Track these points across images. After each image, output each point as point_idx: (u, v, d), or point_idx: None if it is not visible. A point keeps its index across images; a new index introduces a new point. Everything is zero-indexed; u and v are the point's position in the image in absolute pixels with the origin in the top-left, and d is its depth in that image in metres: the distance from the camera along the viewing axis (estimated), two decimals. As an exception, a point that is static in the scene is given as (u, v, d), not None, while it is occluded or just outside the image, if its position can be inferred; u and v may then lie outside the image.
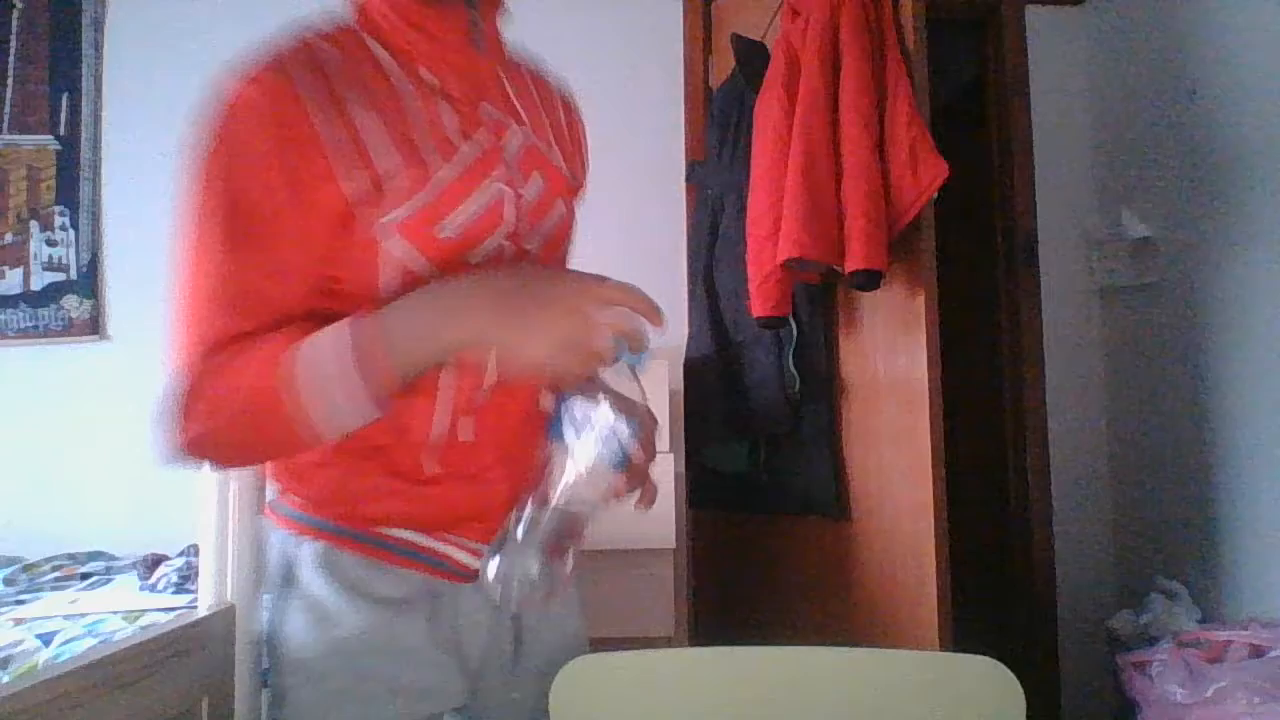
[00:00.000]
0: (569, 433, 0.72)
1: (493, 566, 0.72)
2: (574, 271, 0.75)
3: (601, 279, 0.70)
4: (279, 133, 0.68)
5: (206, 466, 0.80)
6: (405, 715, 0.75)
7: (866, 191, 1.64)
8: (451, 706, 0.77)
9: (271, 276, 0.70)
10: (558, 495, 0.72)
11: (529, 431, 0.79)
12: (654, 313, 0.71)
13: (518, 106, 0.82)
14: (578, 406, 0.73)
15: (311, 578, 0.76)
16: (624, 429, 0.73)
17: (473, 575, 0.79)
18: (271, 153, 0.68)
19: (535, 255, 0.80)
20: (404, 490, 0.76)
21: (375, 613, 0.75)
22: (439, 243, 0.72)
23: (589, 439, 0.72)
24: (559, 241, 0.86)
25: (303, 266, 0.70)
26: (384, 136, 0.71)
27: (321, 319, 0.68)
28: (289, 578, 0.77)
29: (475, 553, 0.78)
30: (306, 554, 0.76)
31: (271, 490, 0.83)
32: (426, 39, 0.74)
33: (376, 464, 0.76)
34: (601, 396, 0.72)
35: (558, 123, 0.88)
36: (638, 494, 0.76)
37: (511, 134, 0.79)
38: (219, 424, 0.72)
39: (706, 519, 2.26)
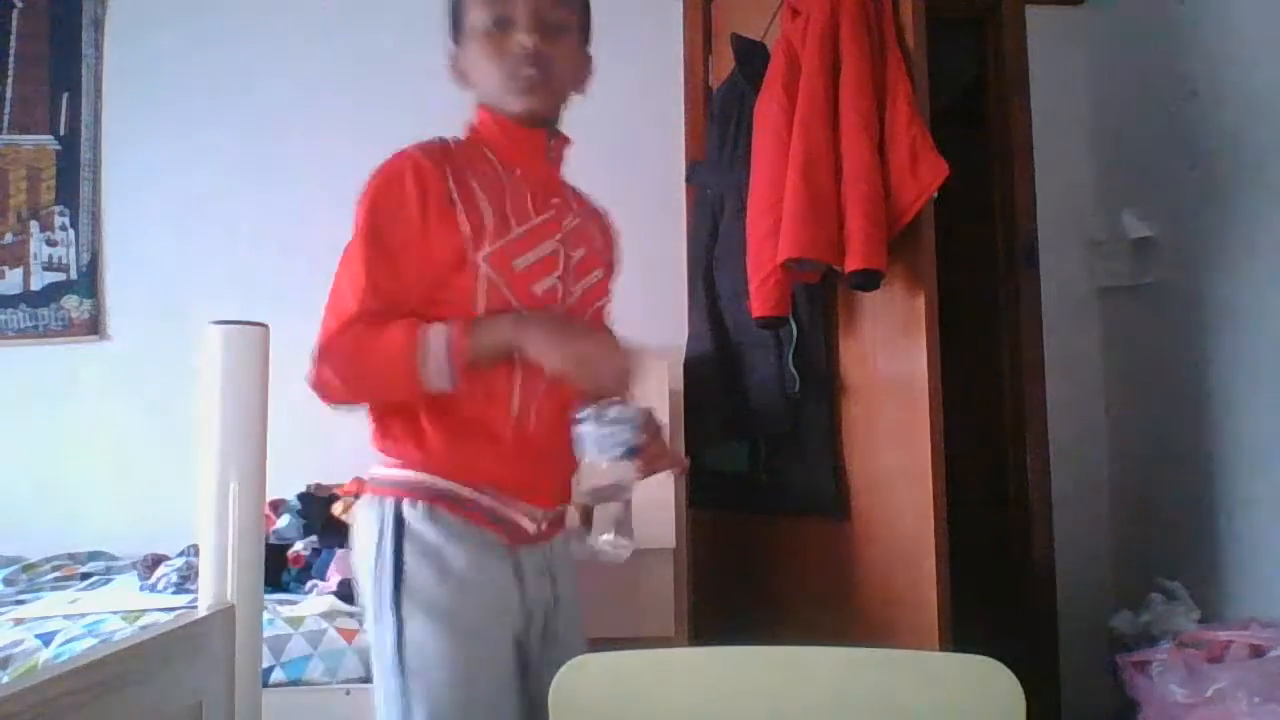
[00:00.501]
0: (585, 439, 1.01)
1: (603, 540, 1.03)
2: (603, 328, 1.11)
3: (618, 342, 1.06)
4: (419, 189, 1.03)
5: (324, 401, 1.06)
6: (498, 631, 1.04)
7: (866, 191, 1.64)
8: (519, 631, 1.06)
9: (395, 281, 1.03)
10: (583, 486, 1.01)
11: (569, 445, 1.05)
12: (625, 387, 1.07)
13: (573, 204, 1.18)
14: (588, 418, 1.01)
15: (424, 528, 1.02)
16: (624, 425, 1.01)
17: (530, 538, 1.08)
18: (412, 202, 1.03)
19: (576, 298, 1.14)
20: (490, 457, 1.05)
21: (474, 553, 1.03)
22: (514, 273, 1.06)
23: (598, 436, 1.00)
24: (594, 296, 1.19)
25: (418, 280, 1.04)
26: (487, 202, 1.06)
27: (424, 319, 1.01)
28: (401, 531, 1.02)
29: (534, 520, 1.09)
30: (418, 511, 1.03)
31: (378, 467, 1.09)
32: (517, 149, 1.12)
33: (472, 438, 1.05)
34: (603, 406, 1.01)
35: (603, 229, 1.24)
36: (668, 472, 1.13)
37: (570, 217, 1.15)
38: (350, 371, 1.02)
39: (706, 519, 2.25)
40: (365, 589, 1.06)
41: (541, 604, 1.10)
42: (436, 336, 0.98)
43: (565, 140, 1.17)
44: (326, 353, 1.02)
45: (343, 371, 1.02)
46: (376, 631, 1.03)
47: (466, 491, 1.04)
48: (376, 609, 1.03)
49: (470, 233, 1.03)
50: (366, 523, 1.06)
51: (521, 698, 1.05)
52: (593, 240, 1.18)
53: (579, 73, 1.16)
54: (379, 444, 1.09)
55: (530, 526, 1.08)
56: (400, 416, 1.05)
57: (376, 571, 1.03)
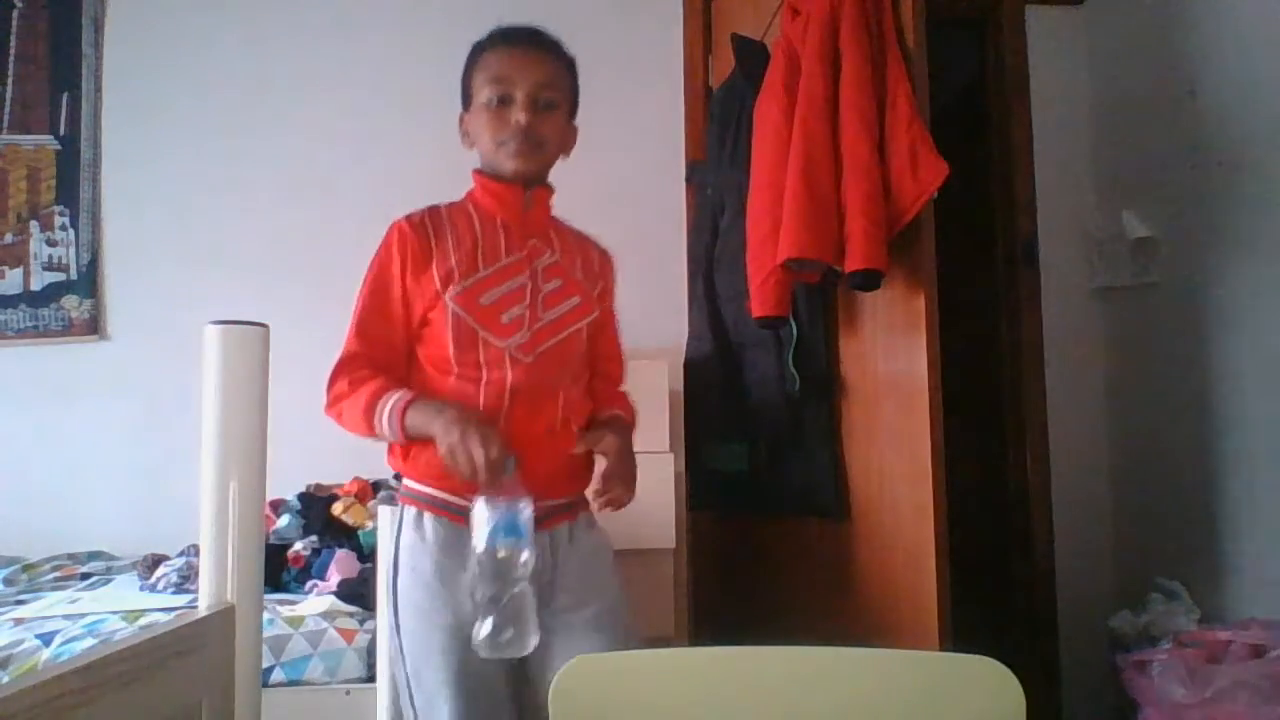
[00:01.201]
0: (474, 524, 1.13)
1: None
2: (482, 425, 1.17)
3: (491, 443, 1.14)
4: (401, 253, 1.26)
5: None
6: (461, 626, 1.15)
7: (866, 191, 1.63)
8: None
9: (383, 326, 1.26)
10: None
11: (549, 444, 1.25)
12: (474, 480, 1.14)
13: (555, 243, 1.34)
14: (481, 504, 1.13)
15: (410, 534, 1.23)
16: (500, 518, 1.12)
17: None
18: (395, 263, 1.26)
19: (545, 322, 1.28)
20: None
21: (441, 556, 1.21)
22: (480, 307, 1.24)
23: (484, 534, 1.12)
24: (569, 320, 1.31)
25: (406, 320, 1.26)
26: (459, 250, 1.26)
27: (412, 353, 1.27)
28: (399, 534, 1.24)
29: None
30: (410, 516, 1.24)
31: (404, 481, 1.27)
32: (497, 202, 1.31)
33: None
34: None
35: (588, 261, 1.38)
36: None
37: (546, 255, 1.32)
38: (342, 408, 1.23)
39: (706, 519, 2.25)
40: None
41: (539, 589, 1.20)
42: (387, 407, 1.19)
43: (545, 191, 1.35)
44: (328, 394, 1.24)
45: (337, 414, 1.24)
46: (391, 623, 1.24)
47: (447, 496, 1.22)
48: (391, 605, 1.24)
49: (440, 279, 1.25)
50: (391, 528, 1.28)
51: (517, 670, 1.22)
52: (570, 272, 1.34)
53: (565, 141, 1.35)
54: (387, 460, 1.29)
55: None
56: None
57: (394, 569, 1.24)
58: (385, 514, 1.44)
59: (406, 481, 1.26)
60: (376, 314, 1.26)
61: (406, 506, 1.24)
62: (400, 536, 1.24)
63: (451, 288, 1.24)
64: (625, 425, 1.36)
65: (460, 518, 1.18)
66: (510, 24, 1.33)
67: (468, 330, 1.23)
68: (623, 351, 1.45)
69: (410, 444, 1.22)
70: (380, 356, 1.25)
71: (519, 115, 1.25)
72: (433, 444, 1.16)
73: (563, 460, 1.25)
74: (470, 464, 1.11)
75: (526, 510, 1.12)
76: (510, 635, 1.11)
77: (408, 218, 1.28)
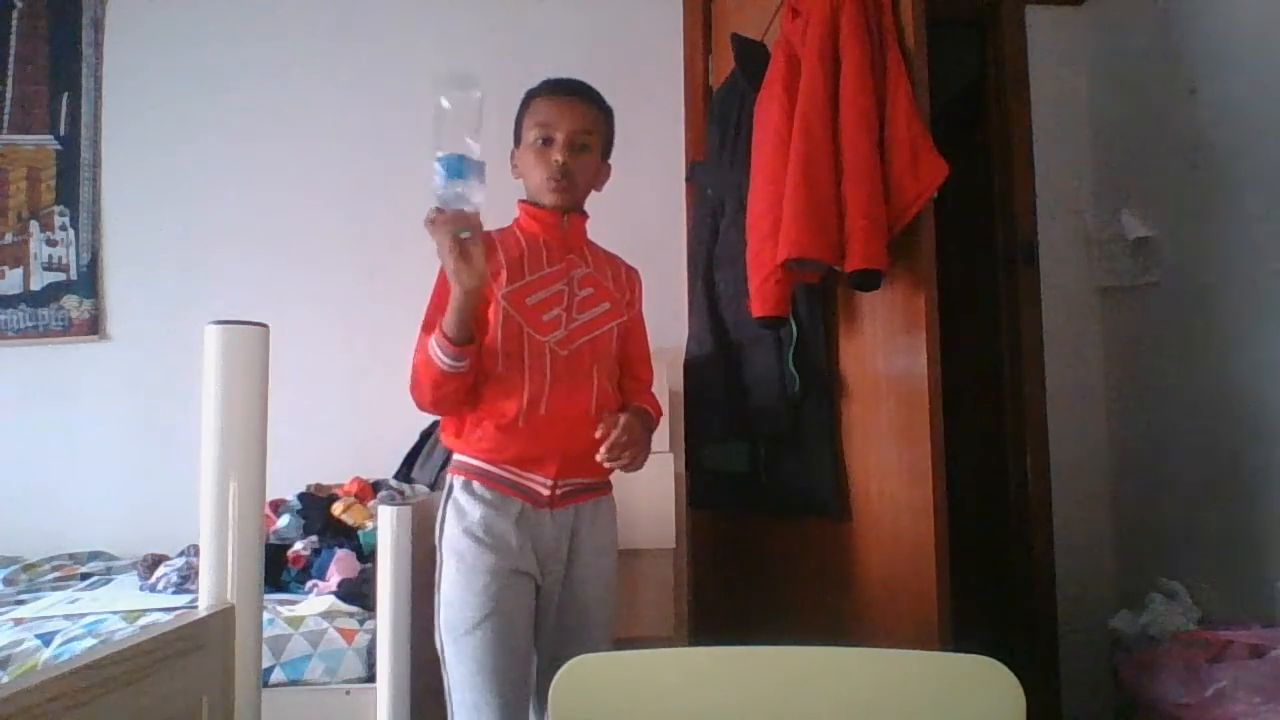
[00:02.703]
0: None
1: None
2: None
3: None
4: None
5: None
6: (489, 567, 1.38)
7: (866, 191, 1.63)
8: (528, 572, 1.41)
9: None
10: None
11: (582, 427, 1.39)
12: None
13: (589, 258, 1.54)
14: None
15: (460, 496, 1.42)
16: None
17: (545, 501, 1.43)
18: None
19: (579, 322, 1.48)
20: (507, 440, 1.41)
21: (489, 512, 1.40)
22: (526, 306, 1.44)
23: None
24: (601, 321, 1.51)
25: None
26: (508, 259, 1.46)
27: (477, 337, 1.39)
28: (449, 497, 1.43)
29: (545, 487, 1.42)
30: (459, 482, 1.43)
31: (457, 454, 1.46)
32: (539, 223, 1.51)
33: (494, 427, 1.41)
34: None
35: (617, 274, 1.58)
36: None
37: (580, 268, 1.52)
38: (415, 372, 1.39)
39: (706, 519, 2.25)
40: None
41: (558, 554, 1.43)
42: (431, 340, 1.35)
43: (580, 217, 1.55)
44: (409, 374, 1.40)
45: (415, 382, 1.39)
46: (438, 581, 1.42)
47: (493, 468, 1.42)
48: (438, 562, 1.42)
49: (496, 278, 1.43)
50: (445, 493, 1.46)
51: (540, 618, 1.44)
52: (601, 282, 1.53)
53: (598, 177, 1.54)
54: (441, 438, 1.51)
55: (545, 492, 1.42)
56: (454, 417, 1.44)
57: (442, 531, 1.43)
58: (386, 514, 1.54)
59: (458, 456, 1.45)
60: (439, 309, 1.38)
61: (456, 476, 1.44)
62: (450, 500, 1.43)
63: (504, 287, 1.43)
64: (648, 415, 1.52)
65: (505, 487, 1.41)
66: (560, 77, 1.53)
67: (515, 325, 1.42)
68: (650, 357, 1.62)
69: (465, 420, 1.42)
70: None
71: (557, 155, 1.46)
72: (484, 422, 1.40)
73: (591, 443, 1.37)
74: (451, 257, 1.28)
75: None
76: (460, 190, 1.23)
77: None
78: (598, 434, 1.36)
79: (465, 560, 1.38)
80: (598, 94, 1.54)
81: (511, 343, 1.41)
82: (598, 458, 1.36)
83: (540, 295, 1.46)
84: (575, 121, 1.48)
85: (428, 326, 1.39)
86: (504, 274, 1.44)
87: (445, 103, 1.23)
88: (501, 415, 1.39)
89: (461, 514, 1.41)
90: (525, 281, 1.45)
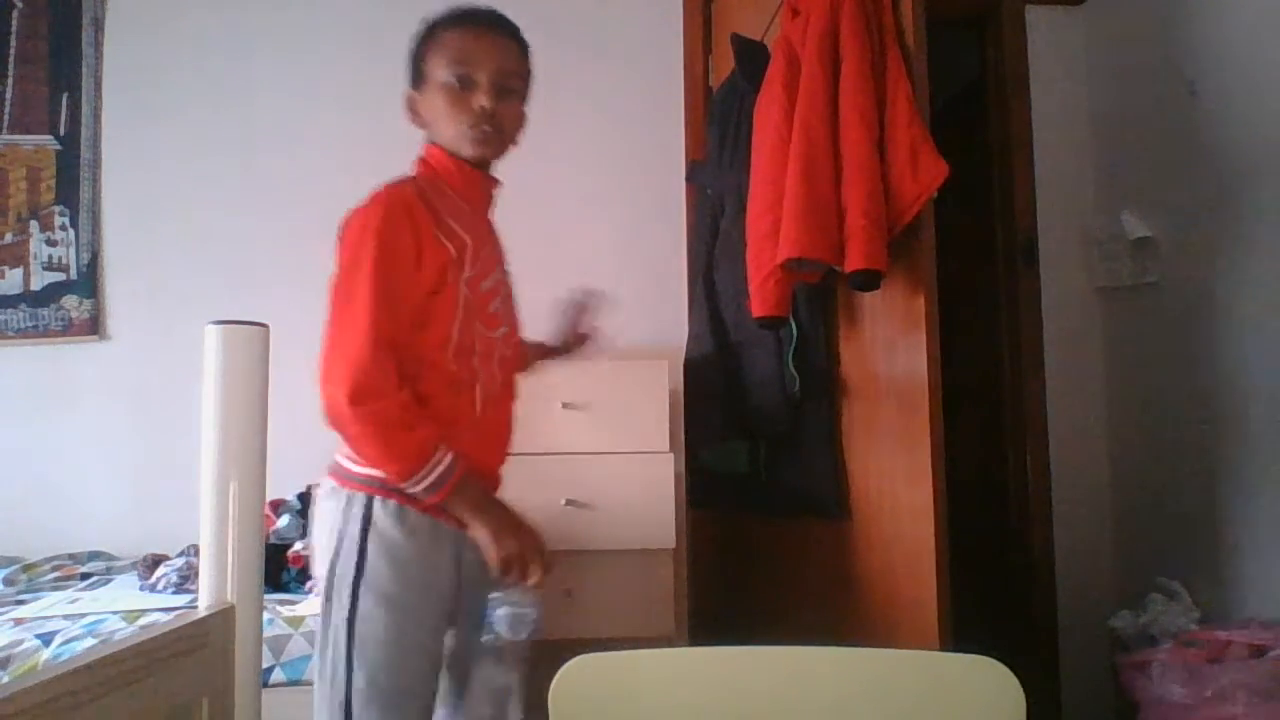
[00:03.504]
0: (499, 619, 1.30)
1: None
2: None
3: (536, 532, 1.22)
4: (412, 223, 1.18)
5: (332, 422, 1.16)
6: (433, 611, 1.21)
7: (866, 191, 1.63)
8: (449, 602, 1.23)
9: (393, 322, 1.16)
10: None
11: (506, 442, 1.34)
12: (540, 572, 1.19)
13: (497, 239, 1.37)
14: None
15: (389, 526, 1.18)
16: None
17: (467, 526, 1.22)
18: (408, 237, 1.18)
19: (511, 318, 1.37)
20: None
21: (426, 547, 1.20)
22: (482, 293, 1.26)
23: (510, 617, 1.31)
24: (516, 315, 1.40)
25: (407, 312, 1.18)
26: (462, 230, 1.24)
27: (412, 341, 1.19)
28: (368, 526, 1.18)
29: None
30: (388, 509, 1.18)
31: (348, 463, 1.21)
32: (471, 188, 1.31)
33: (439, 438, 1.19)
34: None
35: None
36: None
37: (498, 248, 1.37)
38: (379, 429, 1.14)
39: (706, 519, 2.25)
40: (322, 570, 1.21)
41: (474, 575, 1.26)
42: (443, 464, 1.15)
43: (496, 182, 1.36)
44: (358, 404, 1.12)
45: (363, 431, 1.14)
46: (331, 607, 1.19)
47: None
48: (333, 589, 1.19)
49: (455, 256, 1.21)
50: (334, 511, 1.21)
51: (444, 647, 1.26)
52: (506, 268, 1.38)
53: (519, 128, 1.33)
54: (342, 443, 1.22)
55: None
56: (340, 417, 1.15)
57: (340, 558, 1.19)
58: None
59: (371, 470, 1.19)
60: (389, 306, 1.15)
61: (373, 495, 1.19)
62: (368, 528, 1.18)
63: (466, 269, 1.22)
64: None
65: (438, 511, 1.19)
66: (468, 4, 1.30)
67: (469, 324, 1.23)
68: None
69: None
70: (395, 353, 1.15)
71: (483, 100, 1.24)
72: (381, 443, 1.15)
73: (507, 449, 1.33)
74: (520, 576, 1.17)
75: (532, 613, 1.26)
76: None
77: (400, 185, 1.22)
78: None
79: (400, 611, 1.17)
80: (518, 28, 1.33)
81: (467, 335, 1.23)
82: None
83: (489, 282, 1.28)
84: (501, 60, 1.26)
85: (376, 323, 1.13)
86: (469, 251, 1.23)
87: None
88: (450, 422, 1.19)
89: (391, 548, 1.18)
90: (481, 261, 1.26)
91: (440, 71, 1.26)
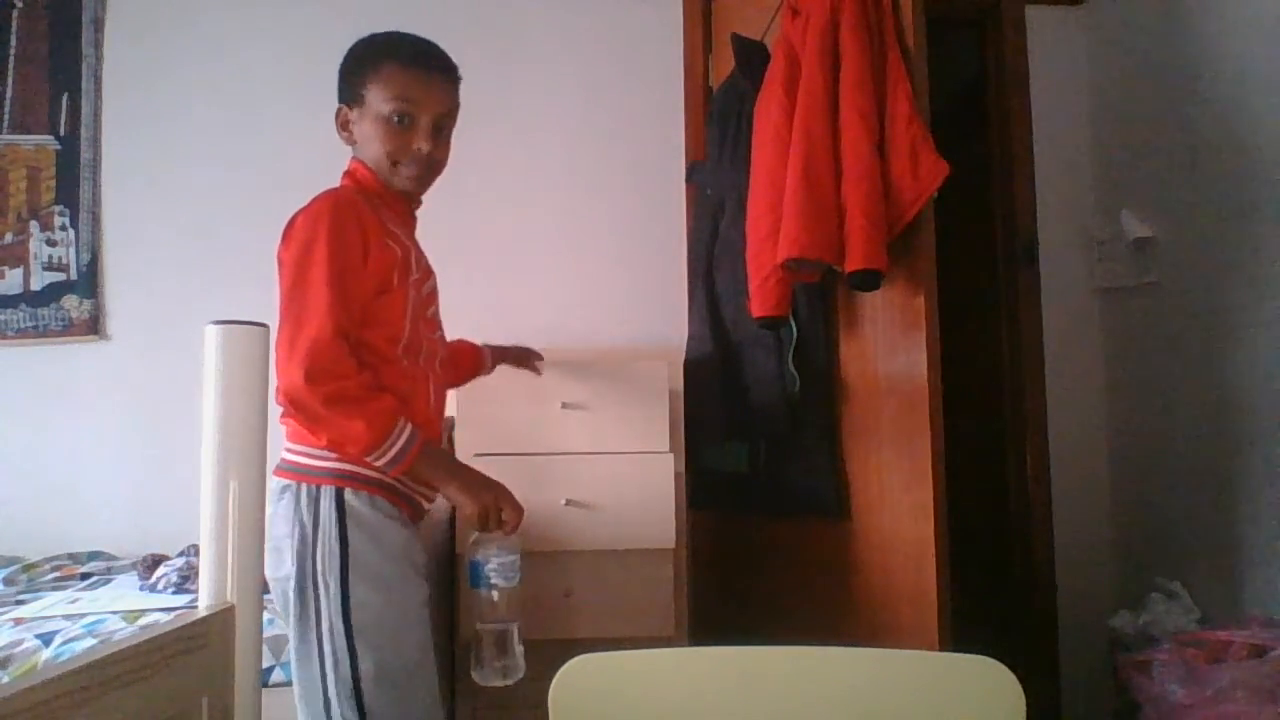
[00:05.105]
0: (488, 569, 1.27)
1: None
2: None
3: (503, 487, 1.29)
4: (360, 225, 1.24)
5: (296, 415, 1.19)
6: (421, 592, 1.27)
7: (866, 191, 1.64)
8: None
9: (348, 318, 1.20)
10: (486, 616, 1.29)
11: (440, 433, 1.39)
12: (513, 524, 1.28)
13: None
14: (488, 551, 1.28)
15: (367, 513, 1.23)
16: (515, 554, 1.29)
17: (424, 513, 1.35)
18: (357, 237, 1.23)
19: (437, 309, 1.43)
20: None
21: (405, 531, 1.27)
22: (425, 296, 1.34)
23: (500, 565, 1.28)
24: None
25: (360, 297, 1.23)
26: (400, 234, 1.31)
27: (363, 338, 1.24)
28: (344, 515, 1.21)
29: (428, 499, 1.35)
30: (361, 499, 1.23)
31: (307, 458, 1.24)
32: (396, 210, 1.37)
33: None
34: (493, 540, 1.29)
35: None
36: None
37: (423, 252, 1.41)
38: (341, 411, 1.16)
39: (706, 519, 2.25)
40: (287, 569, 1.21)
41: (433, 562, 1.42)
42: (404, 435, 1.20)
43: (419, 204, 1.42)
44: (316, 386, 1.14)
45: (323, 414, 1.16)
46: (314, 603, 1.20)
47: (393, 480, 1.25)
48: (314, 584, 1.20)
49: (401, 257, 1.27)
50: (296, 507, 1.22)
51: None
52: None
53: (447, 162, 1.38)
54: (312, 439, 1.23)
55: (427, 505, 1.35)
56: (301, 402, 1.17)
57: (317, 551, 1.21)
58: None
59: (341, 465, 1.23)
60: (343, 291, 1.19)
61: (343, 488, 1.22)
62: (345, 517, 1.21)
63: (412, 271, 1.29)
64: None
65: (404, 501, 1.28)
66: (413, 37, 1.36)
67: (414, 324, 1.30)
68: None
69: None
70: (350, 342, 1.20)
71: (422, 143, 1.31)
72: (345, 422, 1.17)
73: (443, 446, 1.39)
74: (497, 524, 1.24)
75: (517, 558, 1.28)
76: (503, 664, 1.26)
77: (346, 190, 1.30)
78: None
79: (395, 590, 1.23)
80: (456, 65, 1.38)
81: (416, 334, 1.30)
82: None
83: (426, 287, 1.36)
84: (441, 104, 1.33)
85: (334, 312, 1.17)
86: (411, 255, 1.31)
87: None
88: (382, 413, 1.20)
89: (373, 531, 1.23)
90: (421, 267, 1.34)
91: (381, 104, 1.31)
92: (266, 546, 1.19)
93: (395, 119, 1.30)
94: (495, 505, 1.24)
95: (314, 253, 1.20)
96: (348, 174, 1.37)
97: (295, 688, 1.24)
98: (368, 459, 1.19)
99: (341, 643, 1.18)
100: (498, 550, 1.28)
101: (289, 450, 1.27)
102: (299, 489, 1.23)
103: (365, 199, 1.29)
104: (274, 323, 0.93)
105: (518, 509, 1.26)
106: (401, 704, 1.20)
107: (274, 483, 1.25)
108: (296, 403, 1.16)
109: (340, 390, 1.15)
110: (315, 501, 1.22)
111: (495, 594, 1.27)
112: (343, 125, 1.37)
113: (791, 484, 1.99)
